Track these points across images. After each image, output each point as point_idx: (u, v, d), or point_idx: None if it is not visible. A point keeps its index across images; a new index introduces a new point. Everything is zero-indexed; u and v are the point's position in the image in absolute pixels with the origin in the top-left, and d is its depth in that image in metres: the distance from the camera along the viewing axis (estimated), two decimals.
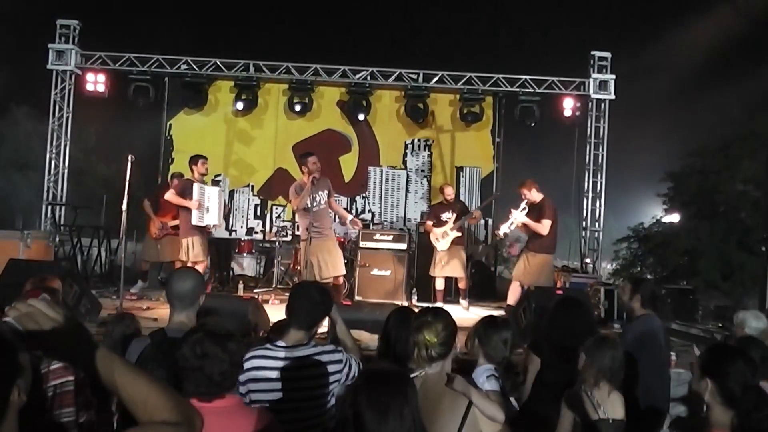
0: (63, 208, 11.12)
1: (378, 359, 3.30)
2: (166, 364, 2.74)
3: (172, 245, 8.79)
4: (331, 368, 2.86)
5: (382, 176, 11.84)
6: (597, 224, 11.31)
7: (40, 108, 12.68)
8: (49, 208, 11.00)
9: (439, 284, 8.68)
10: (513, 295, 7.72)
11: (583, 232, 11.34)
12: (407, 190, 11.84)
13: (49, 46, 11.03)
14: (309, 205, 6.87)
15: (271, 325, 5.62)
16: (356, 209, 11.69)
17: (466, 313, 8.10)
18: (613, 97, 11.15)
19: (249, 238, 11.29)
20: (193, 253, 7.64)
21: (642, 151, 25.36)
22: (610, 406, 3.12)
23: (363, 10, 26.79)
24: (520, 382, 3.72)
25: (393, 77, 11.32)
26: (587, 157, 11.32)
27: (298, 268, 9.40)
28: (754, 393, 2.38)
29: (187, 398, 2.18)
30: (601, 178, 11.29)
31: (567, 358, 3.41)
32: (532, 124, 11.23)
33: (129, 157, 6.96)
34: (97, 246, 10.59)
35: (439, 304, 8.44)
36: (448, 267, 8.52)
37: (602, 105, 11.25)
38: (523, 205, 7.80)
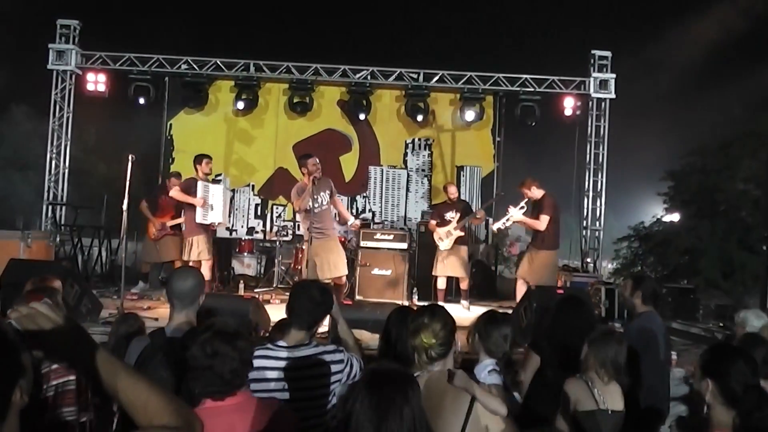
0: (63, 208, 11.13)
1: (379, 359, 3.30)
2: (166, 364, 2.75)
3: (172, 245, 8.80)
4: (332, 368, 2.86)
5: (382, 176, 11.84)
6: (597, 223, 11.30)
7: (40, 108, 12.67)
8: (50, 207, 11.01)
9: (441, 283, 8.68)
10: (521, 294, 7.72)
11: (584, 232, 11.34)
12: (408, 190, 11.84)
13: (50, 46, 11.03)
14: (311, 207, 6.87)
15: (272, 324, 5.63)
16: (357, 209, 11.69)
17: (467, 313, 8.09)
18: (613, 96, 11.15)
19: (249, 237, 11.29)
20: (197, 251, 7.65)
21: (642, 150, 25.33)
22: (610, 397, 3.14)
23: (363, 10, 26.78)
24: (518, 380, 3.72)
25: (393, 77, 11.32)
26: (588, 156, 11.32)
27: (299, 267, 9.41)
28: (755, 393, 2.37)
29: (200, 398, 2.21)
30: (602, 177, 11.29)
31: (568, 356, 3.41)
32: (533, 124, 11.24)
33: (129, 157, 6.96)
34: (98, 246, 10.60)
35: (439, 304, 8.46)
36: (450, 266, 8.52)
37: (603, 104, 11.25)
38: (522, 203, 7.82)
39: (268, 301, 7.76)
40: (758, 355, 3.36)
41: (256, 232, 11.62)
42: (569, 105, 11.18)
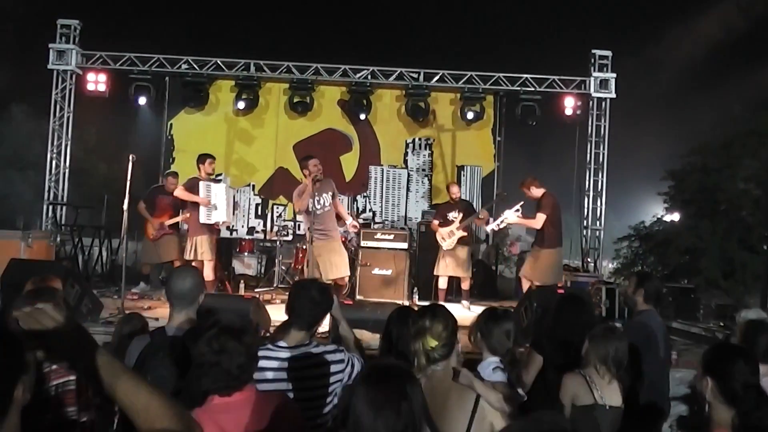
0: (64, 207, 11.14)
1: (380, 358, 3.30)
2: (167, 362, 2.75)
3: (171, 244, 8.80)
4: (333, 368, 2.86)
5: (383, 175, 11.84)
6: (598, 223, 11.30)
7: (40, 108, 12.67)
8: (50, 207, 11.01)
9: (442, 283, 8.69)
10: None
11: (584, 231, 11.34)
12: (408, 189, 11.84)
13: (50, 45, 11.04)
14: (313, 208, 6.88)
15: (273, 325, 5.64)
16: (357, 208, 11.70)
17: (468, 313, 8.09)
18: (613, 95, 11.15)
19: (250, 237, 11.29)
20: (200, 251, 7.64)
21: (643, 149, 25.34)
22: (608, 393, 3.15)
23: (363, 10, 26.78)
24: (522, 380, 3.72)
25: (394, 76, 11.32)
26: (588, 155, 11.32)
27: (299, 267, 9.41)
28: (753, 392, 2.39)
29: (206, 395, 2.23)
30: (602, 176, 11.29)
31: (569, 355, 3.41)
32: (533, 123, 11.24)
33: (130, 157, 6.97)
34: (98, 246, 10.60)
35: (440, 304, 8.46)
36: (452, 266, 8.54)
37: (603, 104, 11.25)
38: (517, 206, 7.87)
39: (268, 301, 7.76)
40: (762, 342, 3.38)
41: (257, 232, 11.62)
42: (570, 105, 11.18)
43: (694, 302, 8.49)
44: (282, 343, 2.90)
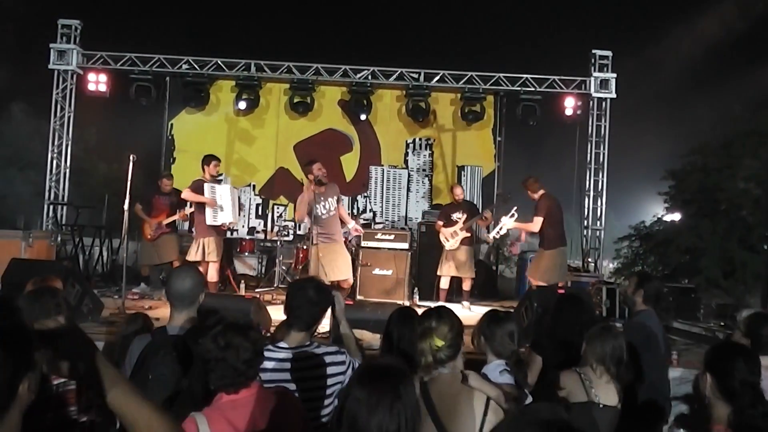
0: (65, 207, 11.15)
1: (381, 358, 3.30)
2: (168, 361, 2.76)
3: (170, 244, 8.79)
4: (334, 369, 2.86)
5: (383, 175, 11.84)
6: (598, 223, 11.30)
7: (41, 107, 12.68)
8: (51, 207, 11.02)
9: (444, 283, 8.71)
10: None
11: (585, 231, 11.34)
12: (408, 190, 11.84)
13: (51, 45, 11.04)
14: (320, 213, 6.92)
15: (273, 325, 5.64)
16: (357, 208, 11.71)
17: (468, 313, 8.10)
18: (614, 95, 11.14)
19: (251, 237, 11.29)
20: (208, 252, 7.64)
21: (643, 149, 25.36)
22: (604, 392, 3.15)
23: (364, 10, 26.79)
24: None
25: (394, 76, 11.32)
26: (588, 155, 11.32)
27: (300, 267, 9.42)
28: (750, 390, 2.41)
29: (214, 394, 2.24)
30: (603, 176, 11.29)
31: (569, 355, 3.41)
32: (534, 123, 11.23)
33: (131, 157, 6.97)
34: (99, 245, 10.61)
35: (440, 303, 8.47)
36: (455, 266, 8.58)
37: (603, 104, 11.25)
38: (512, 211, 7.96)
39: (269, 302, 7.76)
40: (765, 334, 3.40)
41: (257, 232, 11.62)
42: (570, 105, 11.18)
43: (695, 302, 8.48)
44: (283, 344, 2.90)
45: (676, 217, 15.67)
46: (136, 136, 14.15)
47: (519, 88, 11.15)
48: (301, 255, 9.48)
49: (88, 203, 12.38)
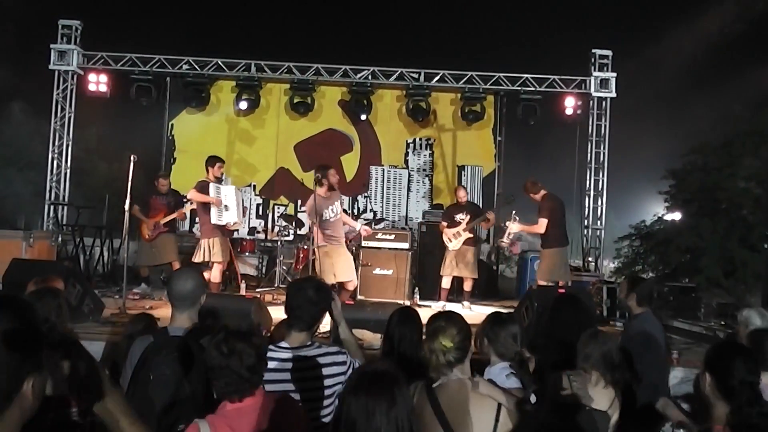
0: (65, 207, 11.16)
1: (383, 359, 3.30)
2: (169, 361, 2.77)
3: (168, 245, 8.75)
4: (335, 370, 2.87)
5: (383, 175, 11.85)
6: (599, 222, 11.30)
7: (41, 108, 12.69)
8: (52, 207, 11.03)
9: (445, 283, 8.72)
10: None
11: (585, 231, 11.34)
12: (409, 189, 11.85)
13: (51, 46, 11.05)
14: (328, 217, 6.96)
15: (274, 325, 5.64)
16: (358, 208, 11.72)
17: (468, 313, 8.11)
18: (614, 95, 11.15)
19: (251, 237, 11.29)
20: (212, 253, 7.63)
21: (643, 148, 25.32)
22: (596, 396, 3.14)
23: (364, 10, 26.79)
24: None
25: (394, 76, 11.32)
26: (588, 155, 11.32)
27: (300, 267, 9.42)
28: (747, 389, 2.42)
29: (218, 402, 2.28)
30: (603, 176, 11.29)
31: (566, 355, 3.42)
32: (534, 123, 11.24)
33: (131, 157, 6.98)
34: (100, 246, 10.61)
35: (441, 303, 8.49)
36: (458, 267, 8.59)
37: (603, 103, 11.26)
38: (513, 214, 7.99)
39: (269, 302, 7.76)
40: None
41: (258, 232, 11.63)
42: (570, 104, 11.18)
43: (695, 301, 8.49)
44: (284, 344, 2.91)
45: (677, 216, 15.66)
46: (136, 136, 14.15)
47: (519, 88, 11.16)
48: (302, 255, 9.49)
49: (89, 203, 12.40)
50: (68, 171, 11.36)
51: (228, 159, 11.57)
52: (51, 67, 11.09)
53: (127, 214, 7.11)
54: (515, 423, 2.48)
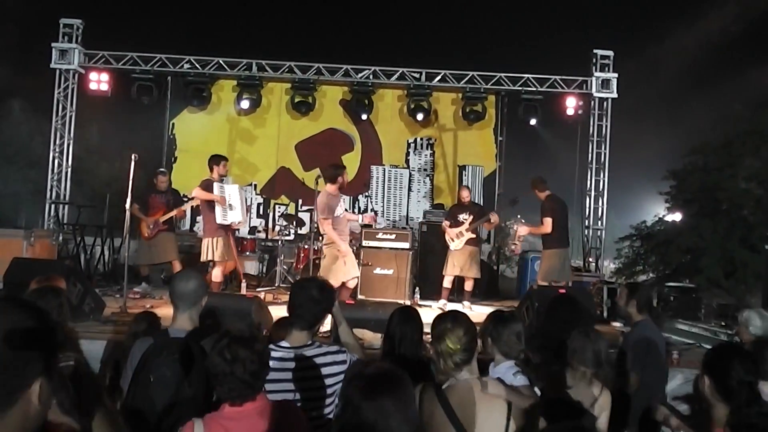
0: (66, 206, 11.16)
1: (383, 358, 3.31)
2: (169, 362, 2.77)
3: (168, 244, 8.70)
4: (335, 369, 2.87)
5: (384, 175, 11.85)
6: (599, 222, 11.30)
7: (42, 106, 12.70)
8: (53, 206, 11.04)
9: (447, 283, 8.72)
10: None
11: (586, 231, 11.34)
12: (410, 189, 11.85)
13: (53, 45, 11.05)
14: (338, 214, 6.99)
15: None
16: (359, 208, 11.72)
17: (468, 312, 8.09)
18: (615, 95, 11.14)
19: (252, 237, 11.29)
20: (217, 253, 7.60)
21: (644, 149, 25.35)
22: (582, 393, 3.15)
23: (365, 10, 26.80)
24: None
25: (395, 76, 11.32)
26: (589, 155, 11.31)
27: (301, 267, 9.43)
28: (745, 389, 2.43)
29: (218, 404, 2.28)
30: (604, 176, 11.29)
31: (564, 355, 3.42)
32: (535, 123, 11.23)
33: (132, 156, 6.97)
34: (101, 245, 10.61)
35: (442, 302, 8.50)
36: (460, 267, 8.59)
37: (604, 103, 11.25)
38: (519, 219, 8.02)
39: (270, 301, 7.76)
40: None
41: (259, 231, 11.63)
42: (571, 104, 11.17)
43: (696, 302, 8.48)
44: (284, 343, 2.91)
45: (677, 216, 15.67)
46: (137, 135, 14.17)
47: (520, 88, 11.15)
48: (303, 254, 9.48)
49: (90, 202, 12.38)
50: (69, 170, 11.36)
51: (229, 158, 11.51)
52: (52, 65, 11.09)
53: (128, 213, 7.10)
54: (525, 422, 2.48)
